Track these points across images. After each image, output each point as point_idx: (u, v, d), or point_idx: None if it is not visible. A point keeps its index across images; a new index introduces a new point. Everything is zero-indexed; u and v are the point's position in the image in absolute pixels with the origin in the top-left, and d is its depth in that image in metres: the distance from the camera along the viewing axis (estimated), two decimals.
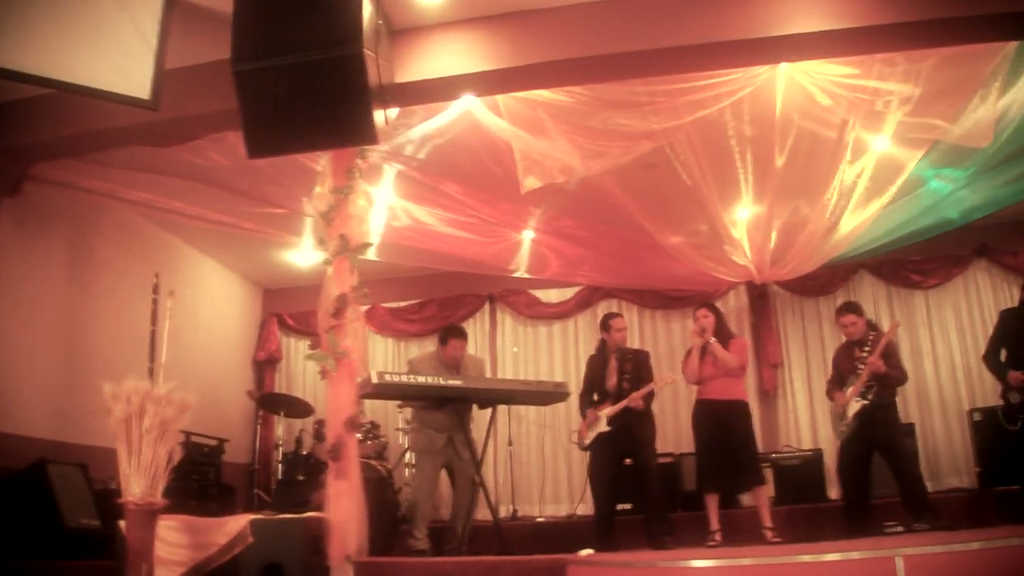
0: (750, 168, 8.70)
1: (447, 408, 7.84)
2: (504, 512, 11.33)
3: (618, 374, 8.36)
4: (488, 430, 8.06)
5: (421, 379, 7.53)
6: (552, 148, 7.66)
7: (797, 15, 6.58)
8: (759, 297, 11.73)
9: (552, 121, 7.47)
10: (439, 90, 7.13)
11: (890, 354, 8.05)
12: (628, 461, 8.33)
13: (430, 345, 12.21)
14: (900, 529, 7.53)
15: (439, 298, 12.59)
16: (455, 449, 8.07)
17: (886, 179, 8.72)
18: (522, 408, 10.85)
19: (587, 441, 8.33)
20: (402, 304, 12.86)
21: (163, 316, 6.57)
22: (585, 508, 10.32)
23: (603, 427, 8.19)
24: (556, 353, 12.45)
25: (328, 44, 5.94)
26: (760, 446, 11.06)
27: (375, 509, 8.20)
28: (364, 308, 12.19)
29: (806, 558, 4.74)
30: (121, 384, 5.18)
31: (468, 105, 7.44)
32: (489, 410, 8.11)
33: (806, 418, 11.66)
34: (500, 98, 7.41)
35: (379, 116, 6.29)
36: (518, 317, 12.67)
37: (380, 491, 9.10)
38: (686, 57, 6.75)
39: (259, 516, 6.24)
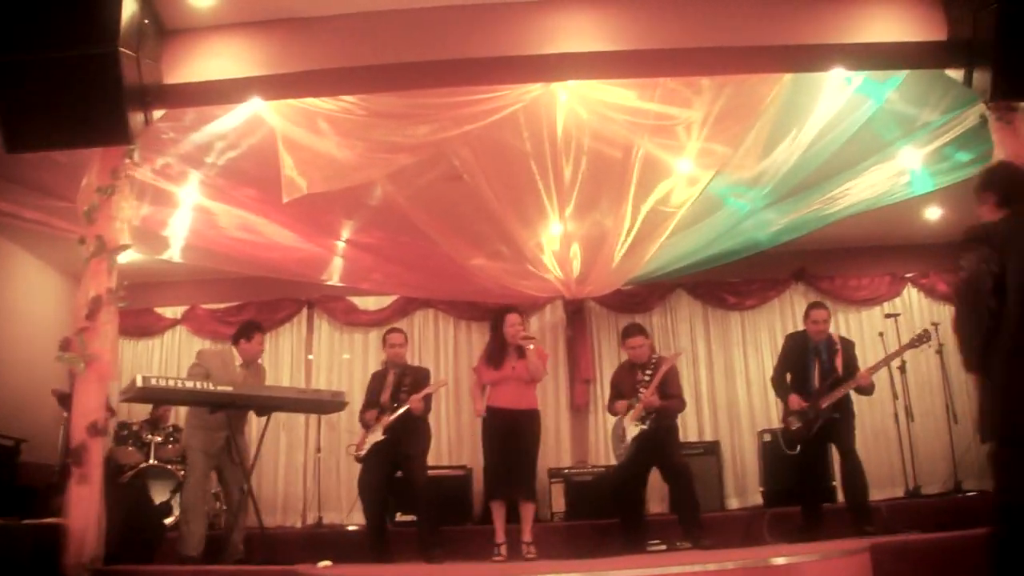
0: (552, 186, 8.77)
1: (223, 412, 7.65)
2: (310, 520, 11.24)
3: (394, 388, 8.34)
4: (261, 437, 7.97)
5: (190, 384, 7.32)
6: (320, 156, 7.57)
7: (570, 35, 6.65)
8: (575, 312, 11.76)
9: (324, 130, 7.40)
10: (213, 93, 7.00)
11: (670, 382, 8.16)
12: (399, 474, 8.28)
13: None
14: (663, 547, 7.63)
15: (258, 301, 12.35)
16: (228, 454, 7.93)
17: (680, 199, 8.84)
18: (333, 415, 10.72)
19: (362, 453, 8.30)
20: (221, 306, 12.62)
21: None
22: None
23: (378, 436, 8.16)
24: (371, 361, 12.21)
25: (83, 41, 5.90)
26: (569, 460, 11.21)
27: (148, 514, 8.11)
28: (183, 308, 12.19)
29: None
30: None
31: (254, 110, 7.35)
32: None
33: None
34: (275, 104, 7.31)
35: (138, 117, 6.22)
36: (335, 323, 12.51)
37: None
38: (459, 71, 6.77)
39: None
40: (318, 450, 11.28)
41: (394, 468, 8.21)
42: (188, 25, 6.86)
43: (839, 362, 8.08)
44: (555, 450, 11.61)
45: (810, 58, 6.93)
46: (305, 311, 12.59)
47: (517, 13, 6.61)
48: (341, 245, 10.03)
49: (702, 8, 6.71)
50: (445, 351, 12.24)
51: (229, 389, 7.46)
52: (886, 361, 8.64)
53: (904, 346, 8.55)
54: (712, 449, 10.87)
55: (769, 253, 10.82)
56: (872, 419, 11.50)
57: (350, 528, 10.76)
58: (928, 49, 6.74)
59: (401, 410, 8.12)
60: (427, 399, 8.29)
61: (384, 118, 7.35)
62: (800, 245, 11.29)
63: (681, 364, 10.98)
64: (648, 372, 8.16)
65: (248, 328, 8.45)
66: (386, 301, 12.42)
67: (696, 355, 12.26)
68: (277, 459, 11.76)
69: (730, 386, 12.01)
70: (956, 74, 6.65)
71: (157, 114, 6.67)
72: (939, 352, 10.94)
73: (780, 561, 5.05)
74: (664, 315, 12.27)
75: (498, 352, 8.14)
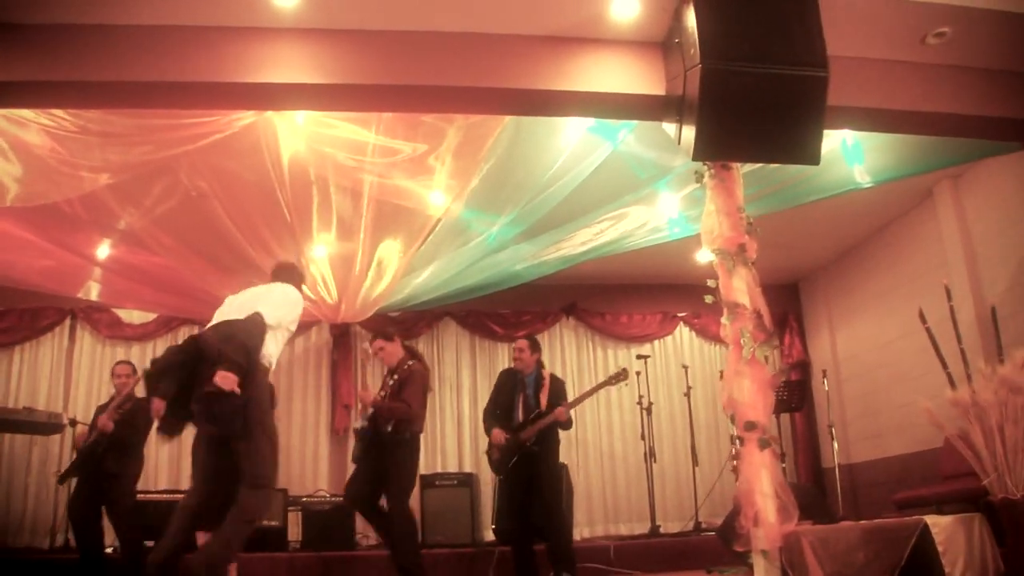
0: (292, 213, 8.69)
1: None
2: (59, 541, 10.87)
3: (110, 414, 8.13)
4: None
5: None
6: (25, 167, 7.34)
7: (282, 65, 6.49)
8: (341, 336, 11.72)
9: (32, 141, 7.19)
10: None
11: (406, 386, 7.73)
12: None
13: (4, 358, 11.71)
14: None
15: (20, 308, 11.82)
16: None
17: (418, 228, 8.89)
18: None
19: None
20: None
21: None
22: None
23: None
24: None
25: None
26: (326, 485, 11.14)
27: None
28: None
29: None
30: None
31: None
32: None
33: None
34: None
35: None
36: (98, 336, 12.09)
37: None
38: (166, 94, 6.48)
39: None
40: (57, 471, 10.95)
41: (101, 497, 8.00)
42: None
43: (543, 397, 8.21)
44: (312, 475, 11.59)
45: (539, 103, 6.92)
46: (68, 321, 12.12)
47: (228, 39, 6.43)
48: (97, 262, 9.77)
49: (428, 48, 6.64)
50: None
51: None
52: (581, 398, 8.74)
53: (599, 384, 8.77)
54: (467, 481, 10.81)
55: (541, 286, 10.96)
56: (626, 457, 11.82)
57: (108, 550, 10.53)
58: (649, 102, 6.81)
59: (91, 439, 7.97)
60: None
61: (92, 135, 7.11)
62: (573, 280, 11.50)
63: (446, 391, 11.19)
64: (395, 376, 8.04)
65: None
66: (151, 315, 12.08)
67: (460, 384, 12.40)
68: (28, 477, 11.30)
69: None
70: (671, 129, 6.76)
71: None
72: (687, 394, 11.24)
73: None
74: (431, 342, 12.35)
75: None
